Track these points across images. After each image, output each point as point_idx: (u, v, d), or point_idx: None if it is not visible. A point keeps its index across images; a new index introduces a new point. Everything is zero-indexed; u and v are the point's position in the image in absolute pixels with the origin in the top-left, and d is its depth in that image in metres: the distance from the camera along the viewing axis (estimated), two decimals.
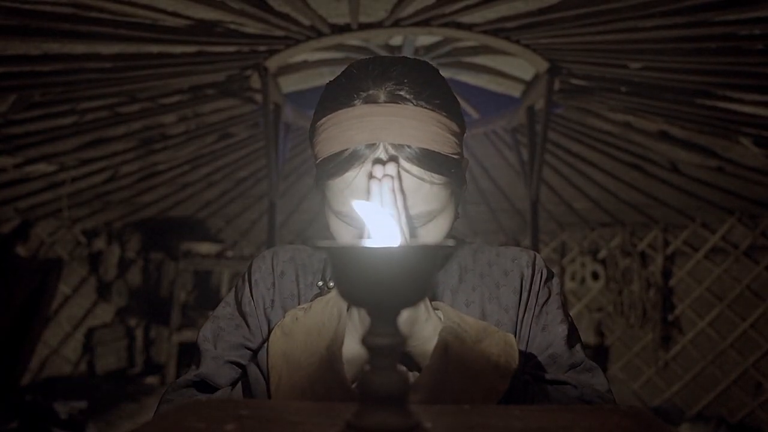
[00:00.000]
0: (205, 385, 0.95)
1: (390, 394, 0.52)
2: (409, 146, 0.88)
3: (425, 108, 0.90)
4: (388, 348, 0.54)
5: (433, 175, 0.89)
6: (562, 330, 0.99)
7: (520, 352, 0.94)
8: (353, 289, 0.54)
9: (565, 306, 1.05)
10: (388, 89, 0.90)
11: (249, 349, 0.99)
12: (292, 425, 0.56)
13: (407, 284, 0.53)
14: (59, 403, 4.61)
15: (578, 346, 0.99)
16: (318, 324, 0.85)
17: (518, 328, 1.00)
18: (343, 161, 0.89)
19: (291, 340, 0.86)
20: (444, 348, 0.82)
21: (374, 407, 0.52)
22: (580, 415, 0.60)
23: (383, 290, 0.53)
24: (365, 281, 0.53)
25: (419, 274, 0.54)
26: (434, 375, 0.81)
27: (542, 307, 1.01)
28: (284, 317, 0.89)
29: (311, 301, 0.96)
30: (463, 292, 1.01)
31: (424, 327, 0.85)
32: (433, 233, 0.94)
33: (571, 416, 0.59)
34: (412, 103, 0.89)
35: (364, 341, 0.54)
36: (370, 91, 0.90)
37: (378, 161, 0.87)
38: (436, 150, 0.89)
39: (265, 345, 0.88)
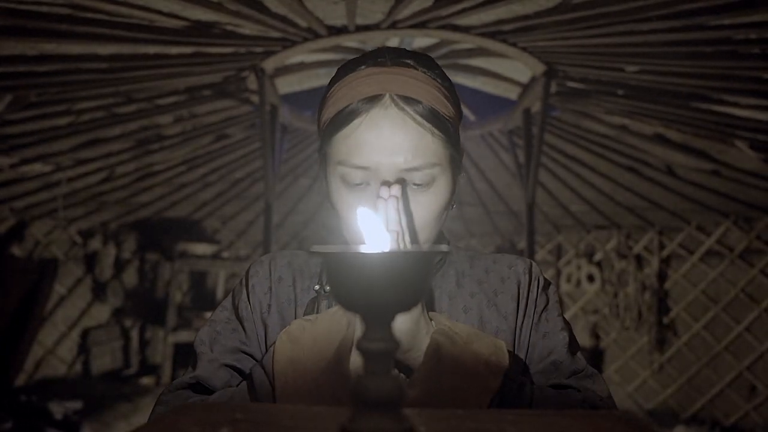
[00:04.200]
0: (201, 388, 0.95)
1: (384, 399, 0.52)
2: (413, 98, 0.93)
3: (428, 74, 0.97)
4: (382, 353, 0.54)
5: (434, 129, 0.93)
6: (563, 337, 0.99)
7: (514, 356, 0.95)
8: (347, 293, 0.55)
9: (563, 314, 1.06)
10: (393, 58, 0.98)
11: (245, 353, 0.99)
12: (286, 429, 0.56)
13: (401, 289, 0.54)
14: (54, 403, 4.60)
15: (579, 353, 1.00)
16: (326, 332, 0.86)
17: (517, 335, 1.00)
18: (349, 112, 0.93)
19: (298, 347, 0.86)
20: (436, 348, 0.83)
21: (368, 412, 0.52)
22: (574, 420, 0.60)
23: (377, 295, 0.53)
24: (359, 286, 0.53)
25: (413, 280, 0.54)
26: (428, 373, 0.82)
27: (541, 314, 1.02)
28: (290, 325, 0.90)
29: (307, 304, 0.98)
30: (462, 298, 1.01)
31: (425, 340, 0.86)
32: (431, 203, 0.95)
33: (565, 421, 0.59)
34: (415, 69, 0.97)
35: (359, 346, 0.55)
36: (378, 59, 0.98)
37: (385, 183, 0.90)
38: (438, 109, 0.95)
39: (271, 350, 0.88)
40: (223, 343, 0.99)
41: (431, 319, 0.89)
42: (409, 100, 0.93)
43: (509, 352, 0.90)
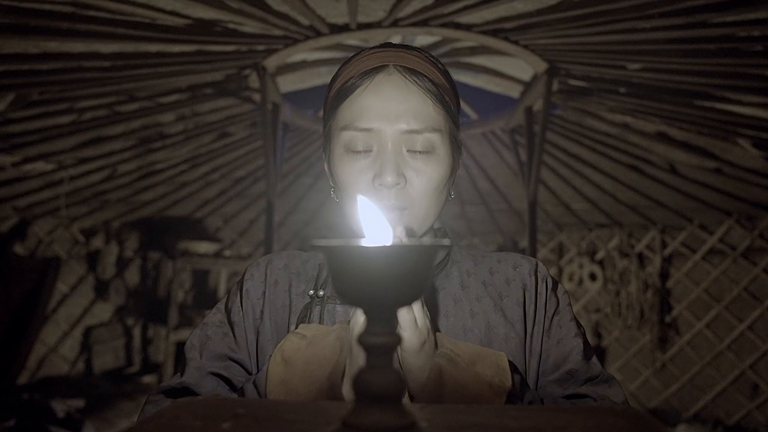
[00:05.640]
0: (187, 394, 0.95)
1: (386, 393, 0.52)
2: (416, 70, 0.98)
3: (429, 58, 1.03)
4: (383, 347, 0.54)
5: (435, 98, 0.97)
6: (577, 344, 0.97)
7: (521, 370, 0.94)
8: (349, 287, 0.54)
9: (575, 316, 1.03)
10: (397, 46, 1.03)
11: (233, 360, 0.98)
12: (288, 424, 0.56)
13: (403, 283, 0.53)
14: (56, 401, 4.60)
15: (594, 358, 0.98)
16: (319, 354, 0.85)
17: (527, 342, 0.98)
18: (354, 81, 0.97)
19: (290, 368, 0.85)
20: (438, 372, 0.82)
21: (370, 406, 0.52)
22: (576, 415, 0.60)
23: (379, 289, 0.53)
24: (361, 280, 0.53)
25: (416, 273, 0.54)
26: (430, 397, 0.81)
27: (552, 318, 1.00)
28: (284, 341, 0.88)
29: (301, 310, 0.98)
30: (467, 301, 0.99)
31: (429, 358, 0.85)
32: (432, 171, 0.96)
33: (567, 417, 0.59)
34: (417, 51, 1.02)
35: (360, 340, 0.54)
36: (383, 46, 1.04)
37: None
38: (439, 83, 0.99)
39: (264, 369, 0.87)
40: (212, 349, 0.98)
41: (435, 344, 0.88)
42: (412, 71, 0.97)
43: (515, 367, 0.88)
